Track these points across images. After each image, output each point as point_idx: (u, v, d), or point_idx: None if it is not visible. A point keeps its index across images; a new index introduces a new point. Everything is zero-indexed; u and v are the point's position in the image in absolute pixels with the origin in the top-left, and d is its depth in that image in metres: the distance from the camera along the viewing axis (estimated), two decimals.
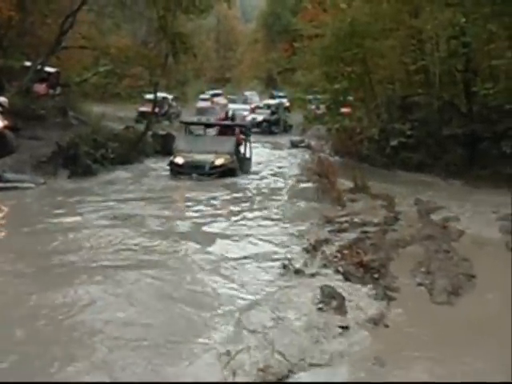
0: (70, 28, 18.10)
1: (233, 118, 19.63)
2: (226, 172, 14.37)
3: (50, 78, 20.25)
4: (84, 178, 12.88)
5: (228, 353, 4.40)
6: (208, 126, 17.70)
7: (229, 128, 17.08)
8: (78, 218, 9.24)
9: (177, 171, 14.48)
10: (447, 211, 10.53)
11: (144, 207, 10.48)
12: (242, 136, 16.58)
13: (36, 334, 4.76)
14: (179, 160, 14.61)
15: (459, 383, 4.09)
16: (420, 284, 6.53)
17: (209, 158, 14.50)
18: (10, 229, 8.75)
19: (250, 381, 4.06)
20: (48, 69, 19.12)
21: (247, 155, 16.52)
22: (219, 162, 14.47)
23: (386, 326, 5.25)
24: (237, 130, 16.76)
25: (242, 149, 16.25)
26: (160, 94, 21.90)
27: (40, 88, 18.59)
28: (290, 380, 4.14)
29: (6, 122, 13.01)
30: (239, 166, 15.21)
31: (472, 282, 6.53)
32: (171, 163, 14.77)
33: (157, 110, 20.34)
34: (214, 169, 14.31)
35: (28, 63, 18.68)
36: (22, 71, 18.48)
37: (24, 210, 9.75)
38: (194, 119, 23.38)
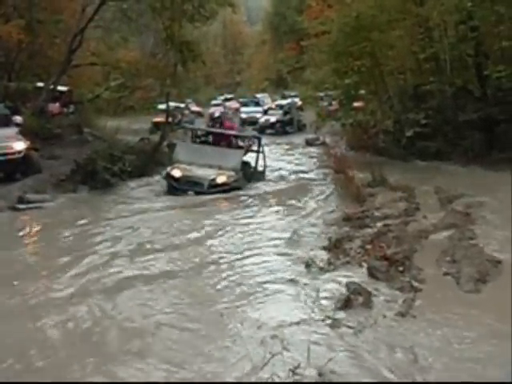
0: (79, 46, 18.31)
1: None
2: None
3: (63, 97, 20.56)
4: (103, 193, 12.97)
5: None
6: (213, 134, 15.26)
7: (222, 137, 14.84)
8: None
9: (171, 186, 12.73)
10: (469, 198, 10.40)
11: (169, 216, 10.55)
12: (252, 147, 14.86)
13: None
14: (176, 173, 12.82)
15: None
16: (446, 273, 6.47)
17: (210, 173, 12.72)
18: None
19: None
20: (60, 88, 19.39)
21: (260, 167, 14.78)
22: (221, 179, 12.67)
23: (414, 317, 5.22)
24: (246, 141, 14.93)
25: (252, 161, 14.49)
26: (172, 104, 22.04)
27: (54, 107, 18.88)
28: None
29: (28, 143, 13.12)
30: (249, 181, 13.63)
31: (498, 269, 6.45)
32: (167, 175, 13.00)
33: (170, 119, 20.45)
34: (214, 187, 12.49)
35: (40, 84, 18.97)
36: (34, 92, 18.81)
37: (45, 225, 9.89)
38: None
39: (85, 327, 5.29)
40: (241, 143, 15.16)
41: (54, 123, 16.97)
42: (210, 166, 12.92)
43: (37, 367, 4.52)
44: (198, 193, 12.24)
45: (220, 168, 12.92)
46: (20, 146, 12.75)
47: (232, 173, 12.95)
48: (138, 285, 6.45)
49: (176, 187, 12.53)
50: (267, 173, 15.52)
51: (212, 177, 12.62)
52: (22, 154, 12.66)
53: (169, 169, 13.21)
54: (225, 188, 12.53)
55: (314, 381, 4.05)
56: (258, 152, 14.63)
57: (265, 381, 4.07)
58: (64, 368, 4.50)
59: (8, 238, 8.94)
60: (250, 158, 14.76)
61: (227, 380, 4.19)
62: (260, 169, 14.84)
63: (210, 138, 15.07)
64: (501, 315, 5.16)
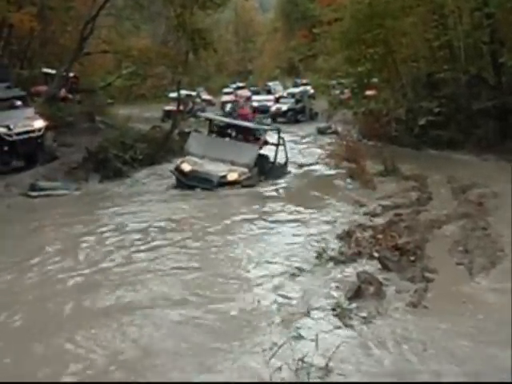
0: (91, 34, 18.30)
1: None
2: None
3: (68, 83, 20.55)
4: (114, 182, 12.98)
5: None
6: (237, 128, 13.84)
7: (247, 131, 13.52)
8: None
9: (180, 180, 12.01)
10: (482, 188, 10.31)
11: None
12: (269, 140, 13.89)
13: None
14: (186, 167, 12.02)
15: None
16: (459, 263, 6.42)
17: (221, 169, 11.84)
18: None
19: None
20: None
21: (281, 161, 13.75)
22: (232, 176, 11.73)
23: (425, 308, 5.18)
24: (262, 135, 13.52)
25: (271, 156, 13.48)
26: (183, 92, 21.99)
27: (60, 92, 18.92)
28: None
29: (46, 122, 13.33)
30: (266, 177, 12.78)
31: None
32: (177, 169, 12.25)
33: (182, 107, 20.40)
34: (224, 185, 11.61)
35: (46, 70, 19.08)
36: (42, 79, 18.94)
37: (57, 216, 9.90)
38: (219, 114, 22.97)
39: None
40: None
41: (65, 111, 17.00)
42: (223, 161, 12.05)
43: None
44: (205, 189, 11.45)
45: (232, 163, 12.02)
46: (39, 123, 13.13)
47: (245, 169, 11.97)
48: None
49: (184, 183, 11.84)
50: None
51: (222, 173, 11.73)
52: (41, 132, 13.01)
53: (179, 162, 12.53)
54: (236, 186, 11.65)
55: (319, 375, 4.02)
56: (277, 145, 13.55)
57: (267, 380, 4.03)
58: None
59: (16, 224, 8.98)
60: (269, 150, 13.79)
61: (234, 375, 4.17)
62: (280, 162, 13.81)
63: (229, 131, 14.00)
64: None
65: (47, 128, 13.39)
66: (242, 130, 13.55)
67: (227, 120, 14.23)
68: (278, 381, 3.97)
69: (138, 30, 25.98)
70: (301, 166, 15.31)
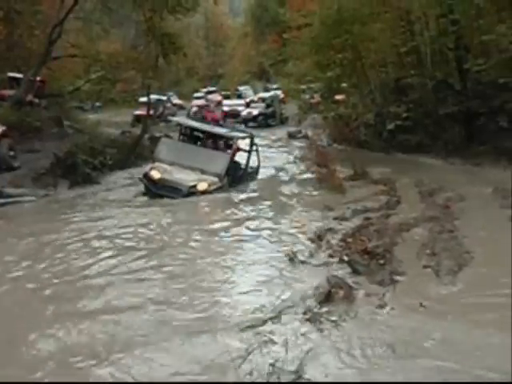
0: (59, 37, 18.04)
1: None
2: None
3: (34, 88, 20.23)
4: (84, 188, 12.81)
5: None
6: (203, 132, 13.47)
7: (218, 138, 13.13)
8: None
9: (148, 188, 11.66)
10: (449, 191, 10.53)
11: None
12: (241, 147, 13.64)
13: None
14: (155, 174, 11.61)
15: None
16: (426, 266, 6.53)
17: (190, 178, 11.47)
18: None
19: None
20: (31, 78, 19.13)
21: (252, 165, 13.68)
22: (201, 186, 11.35)
23: (393, 309, 5.26)
24: (235, 143, 13.08)
25: (242, 161, 13.38)
26: (154, 96, 21.89)
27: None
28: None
29: (3, 128, 12.62)
30: (238, 183, 12.62)
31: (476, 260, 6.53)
32: (145, 176, 11.82)
33: (152, 112, 20.30)
34: (193, 194, 11.24)
35: (16, 75, 18.77)
36: (8, 83, 18.62)
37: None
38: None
39: None
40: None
41: (33, 116, 16.72)
42: (193, 169, 11.73)
43: None
44: (174, 198, 11.03)
45: (203, 172, 11.70)
46: None
47: (215, 179, 11.67)
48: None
49: (153, 190, 11.51)
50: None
51: (192, 183, 11.38)
52: None
53: (147, 168, 12.15)
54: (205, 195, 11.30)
55: (293, 376, 4.04)
56: (249, 152, 13.41)
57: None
58: None
59: None
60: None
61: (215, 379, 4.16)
62: (252, 166, 13.73)
63: (201, 136, 13.64)
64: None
65: (4, 135, 12.55)
66: (214, 136, 13.15)
67: (200, 125, 13.77)
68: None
69: (107, 33, 25.72)
70: (271, 170, 15.41)
